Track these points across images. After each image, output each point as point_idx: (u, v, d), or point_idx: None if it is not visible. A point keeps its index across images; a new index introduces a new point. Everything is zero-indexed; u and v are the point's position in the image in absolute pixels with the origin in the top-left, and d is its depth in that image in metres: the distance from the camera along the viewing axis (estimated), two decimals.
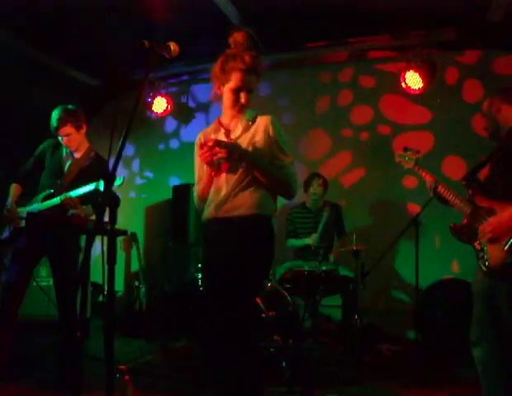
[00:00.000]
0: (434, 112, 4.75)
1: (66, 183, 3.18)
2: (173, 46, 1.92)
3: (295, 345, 3.49)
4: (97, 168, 3.20)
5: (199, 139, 2.38)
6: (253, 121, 2.28)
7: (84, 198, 3.04)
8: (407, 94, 4.63)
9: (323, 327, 3.96)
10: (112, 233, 1.60)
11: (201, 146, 2.19)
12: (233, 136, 2.29)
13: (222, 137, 2.30)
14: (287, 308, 3.66)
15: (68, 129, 3.20)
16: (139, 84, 1.83)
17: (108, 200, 1.55)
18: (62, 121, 3.17)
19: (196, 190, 2.40)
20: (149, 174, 5.98)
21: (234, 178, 2.22)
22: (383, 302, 4.72)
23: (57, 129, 3.19)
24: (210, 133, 2.38)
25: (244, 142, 2.24)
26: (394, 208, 4.84)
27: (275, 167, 2.24)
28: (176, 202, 5.20)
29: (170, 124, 5.82)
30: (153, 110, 5.48)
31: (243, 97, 2.23)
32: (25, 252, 3.18)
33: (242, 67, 2.19)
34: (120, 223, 5.24)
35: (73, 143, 3.26)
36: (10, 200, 3.26)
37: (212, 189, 2.30)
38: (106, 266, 1.56)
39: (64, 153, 3.32)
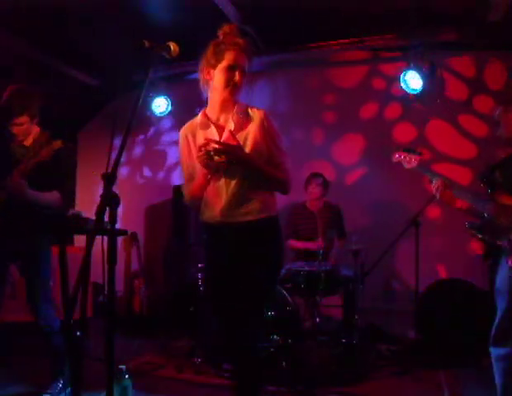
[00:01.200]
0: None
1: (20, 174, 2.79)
2: (172, 46, 1.92)
3: (295, 345, 3.49)
4: (64, 153, 2.86)
5: (184, 134, 2.30)
6: (246, 115, 2.20)
7: (39, 176, 2.75)
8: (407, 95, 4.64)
9: (323, 327, 3.95)
10: (112, 233, 1.60)
11: (199, 148, 2.10)
12: (224, 136, 2.19)
13: (214, 134, 2.21)
14: (287, 308, 3.65)
15: (22, 118, 2.86)
16: (139, 84, 1.83)
17: (108, 200, 1.55)
18: (17, 109, 2.82)
19: (188, 189, 2.30)
20: (149, 174, 5.98)
21: (234, 181, 2.17)
22: (383, 302, 4.72)
23: (9, 116, 2.83)
24: (195, 127, 2.27)
25: (239, 140, 2.17)
26: (394, 208, 4.83)
27: (272, 165, 2.20)
28: (176, 202, 5.20)
29: (170, 124, 5.82)
30: (153, 110, 5.49)
31: (237, 75, 2.15)
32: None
33: (235, 46, 2.15)
34: (121, 223, 5.25)
35: (23, 132, 2.92)
36: None
37: (210, 190, 2.23)
38: (106, 266, 1.56)
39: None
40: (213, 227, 2.25)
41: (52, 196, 2.84)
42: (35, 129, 2.96)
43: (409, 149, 2.90)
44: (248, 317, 2.18)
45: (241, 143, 2.16)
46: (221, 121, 2.24)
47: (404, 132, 4.85)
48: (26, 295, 2.96)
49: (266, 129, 2.19)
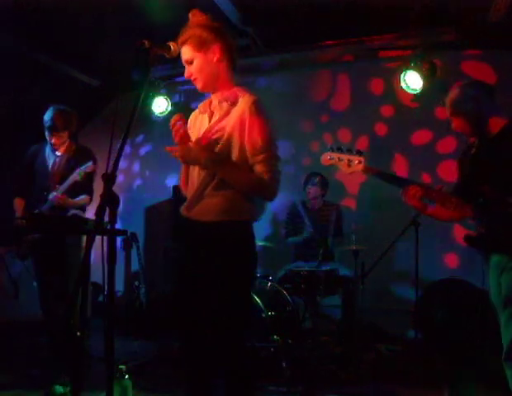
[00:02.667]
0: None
1: (56, 181, 3.23)
2: (172, 46, 1.92)
3: (295, 345, 3.49)
4: (81, 156, 3.30)
5: (189, 119, 2.25)
6: (234, 103, 2.04)
7: (74, 189, 3.17)
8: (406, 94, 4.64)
9: (323, 327, 3.96)
10: (112, 233, 1.60)
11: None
12: (213, 121, 2.10)
13: (206, 120, 2.15)
14: (287, 308, 3.65)
15: (66, 134, 3.31)
16: (139, 84, 1.83)
17: (108, 200, 1.55)
18: (66, 125, 3.26)
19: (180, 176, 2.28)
20: (149, 174, 5.98)
21: (202, 175, 2.05)
22: (383, 302, 4.72)
23: (60, 129, 3.25)
24: (199, 111, 2.24)
25: (218, 131, 2.04)
26: (394, 208, 4.83)
27: (243, 168, 1.99)
28: (176, 202, 5.19)
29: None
30: (153, 111, 5.49)
31: (186, 72, 2.11)
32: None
33: (180, 43, 2.07)
34: (120, 223, 5.24)
35: (60, 144, 3.34)
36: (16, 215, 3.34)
37: (189, 181, 2.16)
38: (106, 266, 1.56)
39: (46, 153, 3.37)
40: (184, 221, 2.12)
41: (84, 200, 3.35)
42: (68, 142, 3.41)
43: (341, 148, 2.49)
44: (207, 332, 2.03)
45: (217, 135, 2.03)
46: (216, 108, 2.14)
47: (403, 131, 4.85)
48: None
49: (244, 124, 1.98)
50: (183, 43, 2.05)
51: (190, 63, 2.07)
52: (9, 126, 4.73)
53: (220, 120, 2.06)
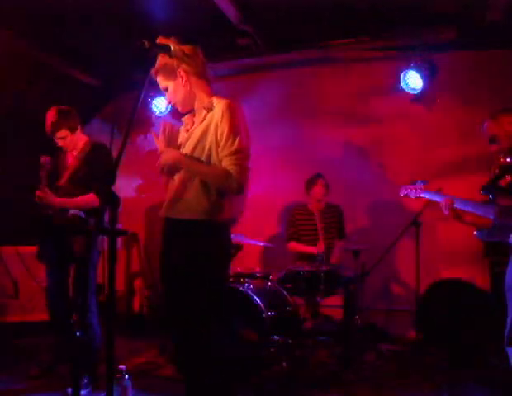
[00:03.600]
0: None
1: (62, 182, 3.21)
2: (172, 46, 1.92)
3: (295, 345, 3.49)
4: (96, 155, 3.21)
5: (162, 128, 2.40)
6: (210, 109, 2.20)
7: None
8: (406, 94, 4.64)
9: (323, 327, 3.96)
10: (112, 233, 1.60)
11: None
12: (191, 129, 2.29)
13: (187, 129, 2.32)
14: (287, 308, 3.65)
15: (62, 132, 3.23)
16: (139, 84, 1.83)
17: (108, 201, 1.55)
18: (56, 125, 3.20)
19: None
20: (149, 174, 5.98)
21: (182, 176, 2.22)
22: (383, 302, 4.72)
23: (52, 132, 3.22)
24: (185, 122, 2.39)
25: (195, 136, 2.21)
26: (394, 208, 4.84)
27: (212, 164, 2.15)
28: None
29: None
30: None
31: (166, 98, 2.33)
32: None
33: (155, 74, 2.26)
34: (121, 223, 5.24)
35: (69, 144, 3.29)
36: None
37: (169, 187, 2.33)
38: (106, 266, 1.56)
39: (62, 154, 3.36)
40: (163, 221, 2.32)
41: (86, 199, 3.03)
42: (83, 139, 3.33)
43: (415, 181, 3.15)
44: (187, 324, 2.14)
45: (194, 141, 2.20)
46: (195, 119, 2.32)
47: (404, 131, 4.85)
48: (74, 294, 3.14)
49: (220, 121, 2.12)
50: (156, 73, 2.23)
51: (166, 90, 2.26)
52: (9, 126, 4.72)
53: (197, 124, 2.24)
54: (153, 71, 2.20)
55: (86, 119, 6.10)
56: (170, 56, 2.06)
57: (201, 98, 2.25)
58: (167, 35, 2.10)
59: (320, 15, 4.16)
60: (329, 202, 4.45)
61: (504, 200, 2.57)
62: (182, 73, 2.19)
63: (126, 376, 2.47)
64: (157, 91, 5.36)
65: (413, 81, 4.46)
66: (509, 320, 2.47)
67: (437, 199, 2.97)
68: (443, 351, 3.91)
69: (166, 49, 1.95)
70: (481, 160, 4.49)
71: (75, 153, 3.31)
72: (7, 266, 4.24)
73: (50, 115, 3.21)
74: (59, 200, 3.11)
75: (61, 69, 5.00)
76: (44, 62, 4.78)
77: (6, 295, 4.10)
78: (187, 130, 2.31)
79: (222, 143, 2.11)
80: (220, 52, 4.51)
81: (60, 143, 3.27)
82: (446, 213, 2.88)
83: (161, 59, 2.17)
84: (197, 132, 2.21)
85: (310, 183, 4.41)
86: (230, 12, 4.09)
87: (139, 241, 5.44)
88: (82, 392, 2.98)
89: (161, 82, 2.24)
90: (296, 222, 4.43)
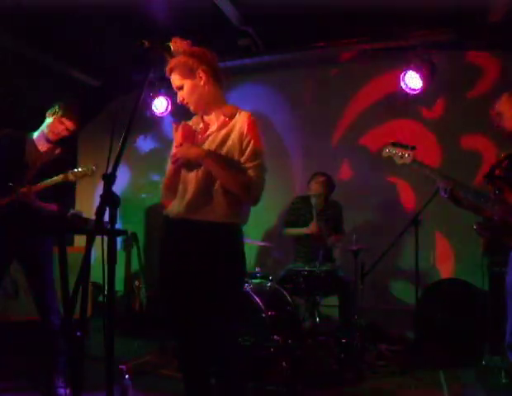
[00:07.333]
0: None
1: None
2: (172, 46, 1.93)
3: (295, 345, 3.49)
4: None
5: (180, 127, 2.33)
6: (232, 117, 2.23)
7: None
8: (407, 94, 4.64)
9: (323, 327, 3.96)
10: (112, 233, 1.60)
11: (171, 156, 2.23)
12: (209, 132, 2.26)
13: (199, 132, 2.29)
14: (287, 308, 3.65)
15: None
16: (139, 84, 1.83)
17: (108, 200, 1.55)
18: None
19: (164, 180, 2.35)
20: (149, 174, 5.98)
21: (203, 177, 2.18)
22: (383, 302, 4.73)
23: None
24: (192, 124, 2.36)
25: (215, 140, 2.21)
26: (394, 208, 4.84)
27: (235, 168, 2.16)
28: None
29: (170, 124, 5.81)
30: (153, 111, 5.49)
31: (178, 97, 2.29)
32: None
33: (168, 71, 2.28)
34: (121, 223, 5.25)
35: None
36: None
37: (181, 183, 2.25)
38: (106, 266, 1.56)
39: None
40: (173, 222, 2.24)
41: (50, 207, 3.08)
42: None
43: (400, 144, 2.80)
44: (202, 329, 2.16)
45: (215, 144, 2.20)
46: (212, 120, 2.30)
47: (404, 131, 4.85)
48: (34, 296, 3.08)
49: (242, 134, 2.18)
50: (171, 71, 2.24)
51: (180, 88, 2.25)
52: (9, 126, 4.72)
53: (217, 130, 2.23)
54: (167, 68, 2.22)
55: (86, 119, 6.11)
56: (170, 56, 2.06)
57: (218, 102, 2.28)
58: (167, 36, 2.10)
59: (320, 15, 4.16)
60: (328, 198, 4.43)
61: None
62: (201, 73, 2.21)
63: (126, 376, 2.47)
64: (157, 91, 5.41)
65: (413, 81, 4.46)
66: (509, 326, 2.39)
67: (429, 174, 2.67)
68: (442, 351, 3.92)
69: (166, 49, 1.96)
70: (481, 159, 4.52)
71: (42, 150, 3.21)
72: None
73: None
74: (38, 203, 3.04)
75: (61, 69, 5.01)
76: (44, 62, 4.78)
77: (6, 295, 4.10)
78: (201, 132, 2.29)
79: (246, 155, 2.15)
80: (219, 52, 4.51)
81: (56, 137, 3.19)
82: (444, 196, 2.58)
83: (179, 58, 2.19)
84: (217, 137, 2.21)
85: (310, 179, 4.42)
86: (231, 13, 4.09)
87: (139, 241, 5.44)
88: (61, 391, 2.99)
89: (176, 80, 2.24)
90: (296, 211, 4.39)
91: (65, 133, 3.17)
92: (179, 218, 2.20)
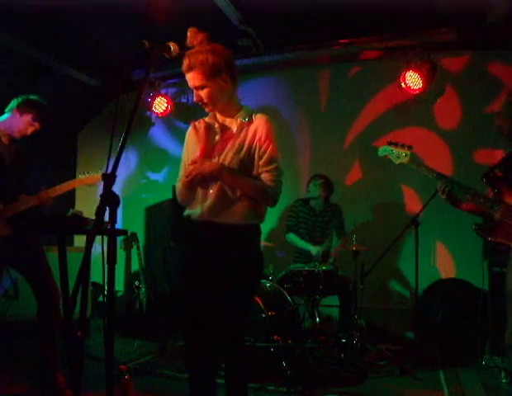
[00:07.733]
0: None
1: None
2: (172, 46, 1.92)
3: (295, 345, 3.49)
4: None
5: (192, 128, 2.34)
6: (249, 120, 2.23)
7: None
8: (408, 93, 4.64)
9: (323, 327, 3.96)
10: (112, 233, 1.60)
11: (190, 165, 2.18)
12: (227, 135, 2.24)
13: (218, 132, 2.25)
14: (287, 308, 3.66)
15: None
16: (139, 84, 1.83)
17: (108, 200, 1.55)
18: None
19: (181, 182, 2.27)
20: (149, 174, 5.98)
21: (222, 183, 2.18)
22: (383, 302, 4.73)
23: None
24: (203, 125, 2.31)
25: (234, 144, 2.19)
26: (394, 208, 4.84)
27: (251, 176, 2.19)
28: (176, 202, 5.18)
29: (170, 125, 5.82)
30: (153, 111, 5.49)
31: (196, 96, 2.21)
32: None
33: (186, 70, 2.17)
34: (121, 223, 5.25)
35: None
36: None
37: (201, 186, 2.22)
38: (106, 266, 1.56)
39: None
40: (195, 224, 2.23)
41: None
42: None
43: (396, 143, 2.80)
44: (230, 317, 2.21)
45: (237, 147, 2.19)
46: (226, 123, 2.28)
47: (404, 131, 4.85)
48: (35, 295, 3.09)
49: (264, 138, 2.19)
50: (190, 68, 2.12)
51: (200, 88, 2.16)
52: None
53: (237, 133, 2.22)
54: (185, 64, 2.11)
55: (86, 119, 6.12)
56: (170, 56, 2.02)
57: (235, 103, 2.27)
58: (166, 36, 2.09)
59: (320, 15, 4.16)
60: (328, 201, 4.44)
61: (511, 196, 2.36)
62: (227, 78, 2.17)
63: (126, 376, 2.47)
64: (157, 91, 5.41)
65: (413, 81, 4.46)
66: (509, 328, 2.37)
67: (427, 174, 2.64)
68: (442, 351, 3.92)
69: (166, 49, 1.94)
70: (481, 159, 4.52)
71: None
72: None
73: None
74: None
75: (61, 69, 5.00)
76: (44, 62, 4.78)
77: (6, 295, 4.10)
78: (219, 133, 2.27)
79: (264, 159, 2.18)
80: None
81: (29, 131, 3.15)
82: (442, 196, 2.57)
83: (207, 56, 2.10)
84: (236, 142, 2.20)
85: (310, 181, 4.43)
86: (230, 13, 4.09)
87: (139, 241, 5.44)
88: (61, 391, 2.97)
89: (197, 79, 2.12)
90: (297, 214, 4.40)
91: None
92: (202, 220, 2.21)
